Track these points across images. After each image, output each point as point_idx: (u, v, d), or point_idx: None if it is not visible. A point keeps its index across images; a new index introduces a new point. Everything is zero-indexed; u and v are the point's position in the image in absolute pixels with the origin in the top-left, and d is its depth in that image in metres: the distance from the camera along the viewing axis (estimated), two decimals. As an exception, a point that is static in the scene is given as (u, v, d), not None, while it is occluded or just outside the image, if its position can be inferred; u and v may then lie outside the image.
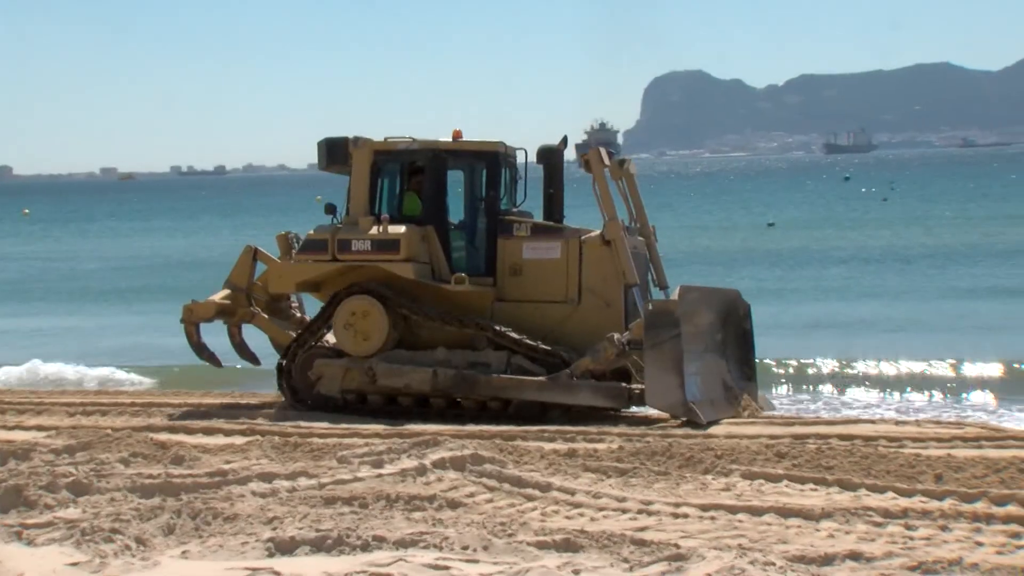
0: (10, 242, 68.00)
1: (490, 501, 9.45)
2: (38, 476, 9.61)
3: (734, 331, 15.00)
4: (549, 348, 14.53)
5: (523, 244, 15.09)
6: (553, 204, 15.56)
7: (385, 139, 15.43)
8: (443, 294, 14.94)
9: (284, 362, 15.38)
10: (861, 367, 21.03)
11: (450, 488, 9.70)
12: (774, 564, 6.91)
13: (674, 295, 14.18)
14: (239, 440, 12.50)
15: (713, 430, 13.15)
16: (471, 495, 9.56)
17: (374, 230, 14.90)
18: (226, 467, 10.21)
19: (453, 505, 9.13)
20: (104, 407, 15.44)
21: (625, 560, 7.27)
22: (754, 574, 6.62)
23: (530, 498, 9.57)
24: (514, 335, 14.58)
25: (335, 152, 15.43)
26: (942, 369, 20.56)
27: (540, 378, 14.34)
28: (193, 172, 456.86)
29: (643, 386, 13.98)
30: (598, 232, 14.83)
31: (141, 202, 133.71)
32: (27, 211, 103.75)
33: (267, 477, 9.82)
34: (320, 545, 7.62)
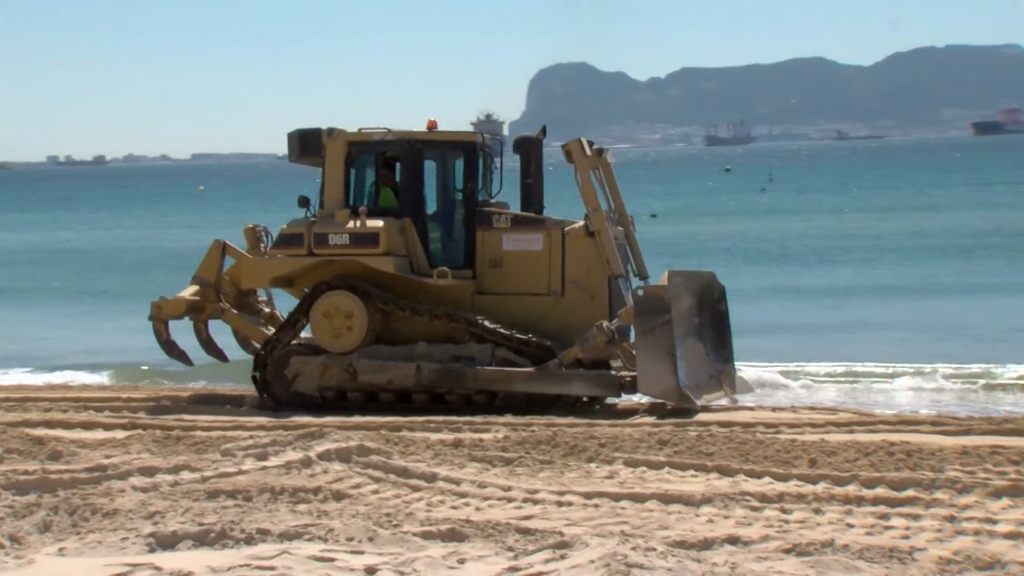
0: None
1: (376, 492, 9.42)
2: (-93, 474, 9.29)
3: (710, 313, 14.81)
4: (540, 341, 14.24)
5: (503, 236, 14.81)
6: (532, 195, 15.23)
7: (359, 130, 15.09)
8: (423, 288, 14.62)
9: (259, 359, 14.97)
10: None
11: (335, 480, 9.64)
12: (655, 549, 7.01)
13: (662, 280, 14.06)
14: (120, 434, 12.26)
15: (597, 419, 13.29)
16: (357, 486, 9.51)
17: (351, 223, 14.52)
18: (106, 462, 9.98)
19: (338, 497, 9.07)
20: (-23, 402, 14.97)
21: (510, 549, 7.31)
22: (635, 559, 6.70)
23: (416, 488, 9.56)
24: (503, 330, 14.31)
25: (308, 144, 15.01)
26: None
27: (529, 369, 14.13)
28: (71, 162, 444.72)
29: (633, 373, 13.87)
30: (581, 223, 14.61)
31: (15, 192, 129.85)
32: None
33: (148, 471, 9.64)
34: (203, 539, 7.51)
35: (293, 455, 10.18)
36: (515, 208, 15.31)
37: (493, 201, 15.30)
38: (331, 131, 14.91)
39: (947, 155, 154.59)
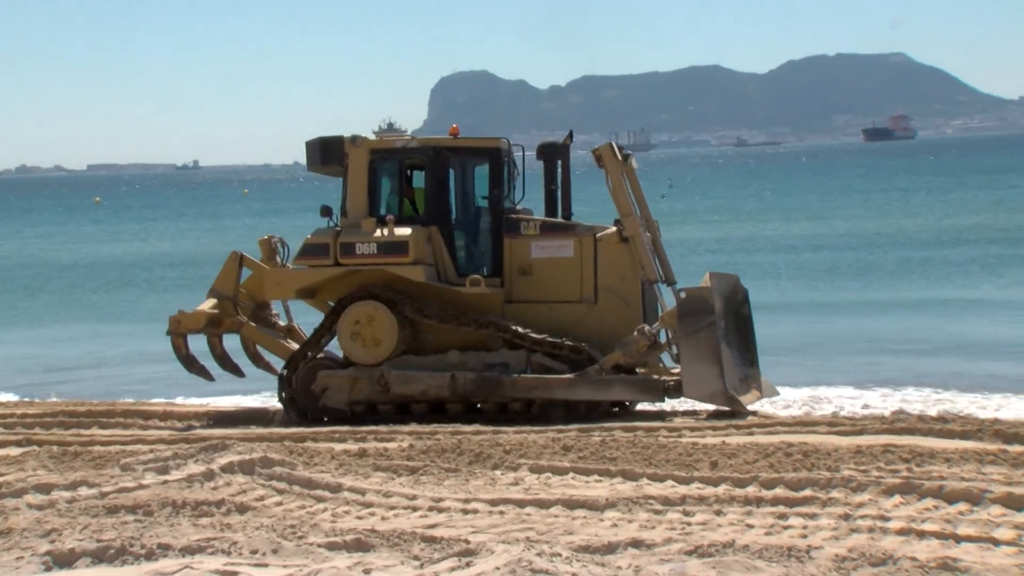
0: None
1: (280, 504, 9.31)
2: None
3: (735, 317, 14.63)
4: (574, 344, 14.05)
5: (531, 243, 14.61)
6: (561, 201, 15.00)
7: (381, 137, 14.89)
8: (453, 296, 14.38)
9: (286, 373, 14.64)
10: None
11: (239, 492, 9.51)
12: (560, 555, 7.04)
13: (704, 281, 13.96)
14: (14, 451, 11.95)
15: (502, 426, 13.30)
16: (260, 498, 9.40)
17: (379, 232, 14.23)
18: None
19: (242, 509, 8.95)
20: None
21: (416, 558, 7.28)
22: (541, 565, 6.73)
23: (320, 499, 9.48)
24: (534, 334, 14.08)
25: (330, 152, 14.71)
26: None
27: (569, 375, 13.93)
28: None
29: (676, 377, 13.75)
30: (614, 229, 14.44)
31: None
32: None
33: (44, 488, 9.41)
34: (102, 556, 7.35)
35: (195, 468, 10.02)
36: (539, 215, 15.07)
37: (520, 208, 15.11)
38: (355, 139, 14.71)
39: (845, 160, 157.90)
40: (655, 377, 14.13)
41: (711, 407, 14.17)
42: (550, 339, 14.19)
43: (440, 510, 9.11)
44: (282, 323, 16.12)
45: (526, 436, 12.12)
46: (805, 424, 12.87)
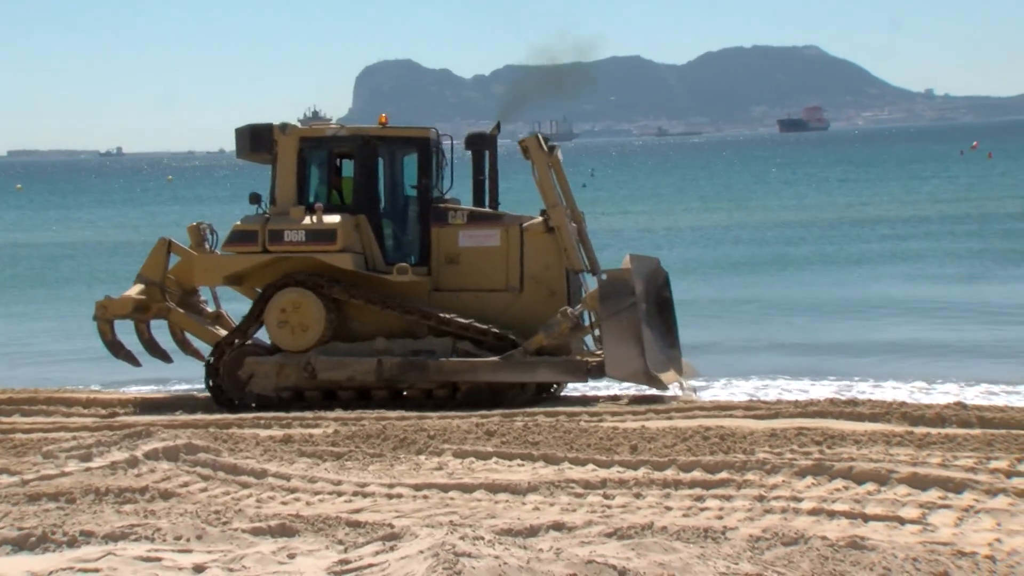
0: None
1: (204, 490, 9.23)
2: None
3: (656, 299, 14.78)
4: (499, 332, 14.08)
5: (459, 232, 14.62)
6: (489, 191, 15.02)
7: (311, 126, 14.80)
8: (381, 285, 14.33)
9: (211, 360, 14.47)
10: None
11: (163, 479, 9.41)
12: (483, 538, 7.06)
13: (624, 263, 14.02)
14: (-66, 439, 11.68)
15: (426, 412, 13.29)
16: (185, 485, 9.31)
17: (307, 220, 14.17)
18: (-81, 468, 9.52)
19: (166, 496, 8.86)
20: None
21: (340, 542, 7.26)
22: (463, 548, 6.74)
23: (245, 485, 9.41)
24: (461, 319, 14.09)
25: (259, 139, 14.61)
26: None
27: (494, 358, 13.93)
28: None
29: (598, 358, 13.80)
30: (540, 219, 14.47)
31: None
32: None
33: (-35, 477, 9.21)
34: (23, 544, 7.22)
35: (119, 455, 9.89)
36: (467, 205, 15.10)
37: (448, 197, 15.14)
38: (284, 127, 14.64)
39: (763, 150, 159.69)
40: (577, 358, 14.20)
41: (632, 391, 14.29)
42: (476, 325, 14.24)
43: (365, 495, 9.10)
44: (210, 310, 15.98)
45: (450, 421, 12.13)
46: (723, 409, 13.04)
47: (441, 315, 14.30)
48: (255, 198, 14.65)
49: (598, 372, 14.14)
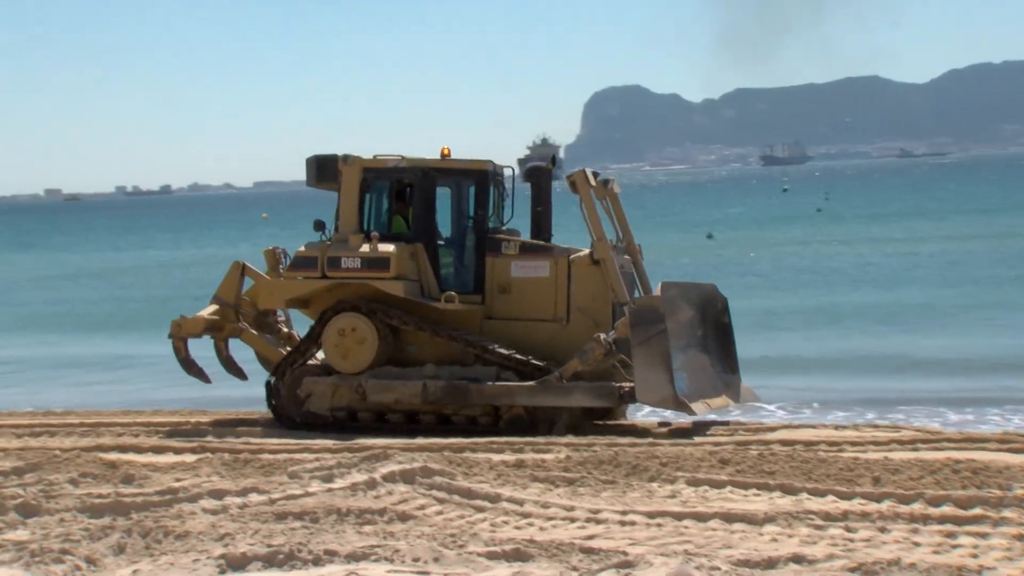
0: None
1: (440, 513, 9.42)
2: (-14, 498, 9.42)
3: (714, 325, 15.04)
4: (538, 363, 14.42)
5: (511, 262, 15.01)
6: (541, 223, 15.40)
7: (375, 156, 15.33)
8: (433, 312, 14.83)
9: (273, 380, 15.21)
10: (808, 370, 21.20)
11: (400, 501, 9.66)
12: (719, 569, 6.95)
13: (656, 291, 14.27)
14: (189, 458, 12.38)
15: (658, 438, 13.21)
16: (421, 507, 9.52)
17: (364, 247, 14.78)
18: (176, 485, 10.09)
19: (403, 518, 9.08)
20: (52, 428, 15.20)
21: (574, 568, 7.28)
22: (700, 579, 6.65)
23: (480, 509, 9.54)
24: (502, 349, 14.49)
25: (324, 169, 15.30)
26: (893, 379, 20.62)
27: (530, 383, 14.26)
28: (139, 192, 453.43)
29: (632, 383, 13.98)
30: (587, 251, 14.79)
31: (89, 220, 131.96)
32: None
33: (218, 494, 9.71)
34: (272, 560, 7.56)
35: (359, 477, 10.22)
36: (526, 236, 15.44)
37: (504, 228, 15.51)
38: (346, 157, 15.15)
39: None
40: (612, 383, 14.27)
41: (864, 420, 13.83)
42: (515, 356, 14.49)
43: (598, 521, 9.08)
44: (286, 330, 16.52)
45: (683, 449, 12.00)
46: (974, 441, 12.43)
47: (484, 344, 14.60)
48: (319, 225, 15.17)
49: (631, 397, 14.20)
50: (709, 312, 15.04)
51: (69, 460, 11.34)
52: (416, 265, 14.95)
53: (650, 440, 12.99)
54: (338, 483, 10.07)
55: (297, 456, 12.27)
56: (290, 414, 15.06)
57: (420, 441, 13.28)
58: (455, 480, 10.27)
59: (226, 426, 15.26)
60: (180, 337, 15.94)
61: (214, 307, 16.06)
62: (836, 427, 14.26)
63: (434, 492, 9.96)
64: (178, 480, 10.55)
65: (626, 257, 15.20)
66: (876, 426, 14.31)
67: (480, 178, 15.20)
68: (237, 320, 16.03)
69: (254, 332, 16.06)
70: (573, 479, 10.44)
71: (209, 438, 14.13)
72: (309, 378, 14.98)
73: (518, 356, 14.49)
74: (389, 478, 10.21)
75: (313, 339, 15.11)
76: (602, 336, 14.06)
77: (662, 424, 14.96)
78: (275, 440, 13.70)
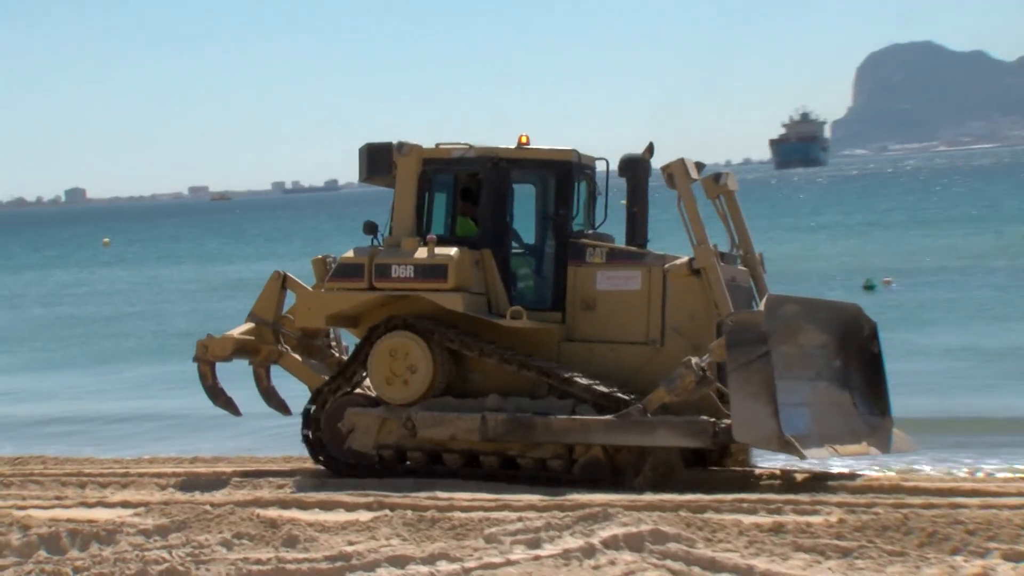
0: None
1: (676, 589, 9.41)
2: (125, 563, 9.90)
3: (858, 355, 14.89)
4: (623, 395, 14.39)
5: (597, 273, 15.08)
6: (636, 225, 15.42)
7: (437, 145, 15.57)
8: (498, 331, 14.97)
9: (312, 409, 15.54)
10: None
11: (626, 573, 9.70)
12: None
13: (760, 306, 14.15)
14: (364, 516, 12.66)
15: (962, 499, 12.85)
16: (652, 582, 9.54)
17: (420, 253, 14.94)
18: (349, 549, 10.37)
19: (630, 594, 9.12)
20: (201, 477, 15.77)
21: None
22: None
23: (728, 585, 9.50)
24: (581, 380, 14.50)
25: (377, 161, 15.46)
26: None
27: (607, 417, 14.25)
28: (300, 188, 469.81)
29: (728, 420, 13.93)
30: (684, 259, 14.74)
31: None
32: (107, 240, 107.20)
33: (399, 561, 9.94)
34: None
35: (572, 542, 10.30)
36: (621, 241, 15.40)
37: (592, 232, 15.54)
38: (402, 146, 15.27)
39: None
40: (704, 419, 14.03)
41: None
42: (596, 387, 14.34)
43: (882, 604, 8.91)
44: (336, 355, 16.57)
45: (996, 512, 11.66)
46: None
47: (559, 373, 14.45)
48: (370, 227, 15.26)
49: (727, 435, 13.88)
50: (851, 339, 14.85)
51: (221, 517, 11.77)
52: (482, 275, 15.06)
53: (950, 502, 12.65)
54: (547, 549, 10.18)
55: (495, 515, 12.44)
56: (329, 451, 15.34)
57: (648, 498, 13.29)
58: (695, 548, 10.25)
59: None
60: (206, 360, 16.26)
61: (249, 325, 16.34)
62: None
63: (668, 562, 9.96)
64: (351, 543, 10.83)
65: (741, 268, 15.08)
66: None
67: (562, 171, 15.28)
68: (277, 341, 16.25)
69: (296, 357, 16.26)
70: (849, 549, 10.29)
71: (388, 492, 14.45)
72: (353, 408, 15.19)
73: (600, 388, 14.44)
74: (611, 544, 10.26)
75: (360, 362, 15.32)
76: (694, 360, 13.96)
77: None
78: (466, 494, 13.90)
